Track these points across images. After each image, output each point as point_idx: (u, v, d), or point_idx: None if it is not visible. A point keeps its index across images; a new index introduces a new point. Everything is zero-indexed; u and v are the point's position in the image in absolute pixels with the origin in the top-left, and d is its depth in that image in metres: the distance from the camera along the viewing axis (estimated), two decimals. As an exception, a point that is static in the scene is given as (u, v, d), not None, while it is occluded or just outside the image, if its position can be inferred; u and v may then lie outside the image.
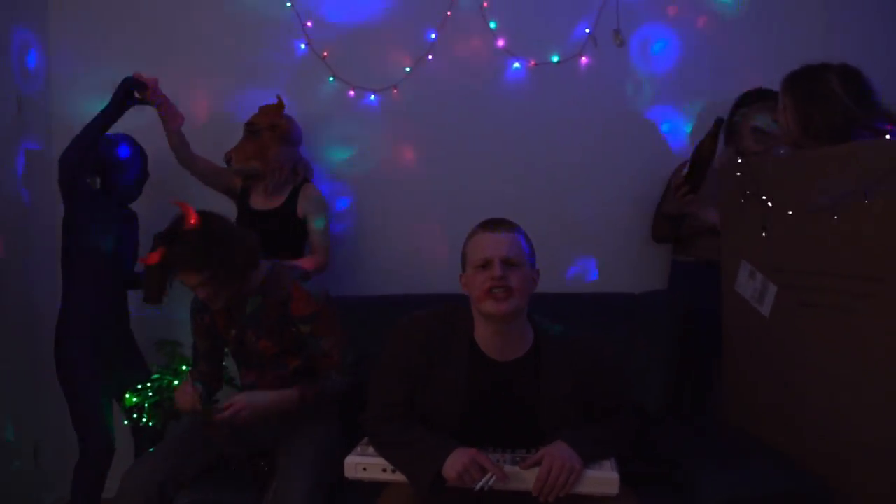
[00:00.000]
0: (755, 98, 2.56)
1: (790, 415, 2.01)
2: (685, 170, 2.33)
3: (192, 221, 1.92)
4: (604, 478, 1.59)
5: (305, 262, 2.54)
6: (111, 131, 2.55)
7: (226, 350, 2.25)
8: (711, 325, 2.33)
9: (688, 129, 2.94)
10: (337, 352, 2.06)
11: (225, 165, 2.69)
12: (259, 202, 2.67)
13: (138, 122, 2.71)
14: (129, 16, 3.04)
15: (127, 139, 2.64)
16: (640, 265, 2.94)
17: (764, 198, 2.03)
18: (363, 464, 1.68)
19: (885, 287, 1.71)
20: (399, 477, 1.65)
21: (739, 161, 2.19)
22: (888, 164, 1.67)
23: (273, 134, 2.62)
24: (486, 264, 1.66)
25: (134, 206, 2.73)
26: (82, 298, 2.50)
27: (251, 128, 2.65)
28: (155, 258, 1.91)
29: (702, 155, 2.24)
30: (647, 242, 2.93)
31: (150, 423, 2.47)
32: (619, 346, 2.34)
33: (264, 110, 2.69)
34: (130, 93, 2.51)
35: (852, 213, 1.77)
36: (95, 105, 2.72)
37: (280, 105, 2.67)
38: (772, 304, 2.04)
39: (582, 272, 3.01)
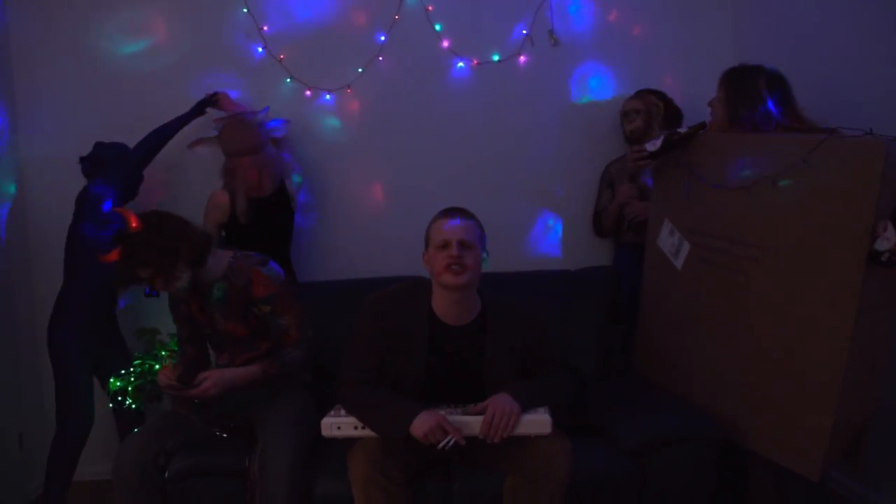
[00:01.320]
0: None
1: (687, 357, 2.36)
2: (653, 146, 2.51)
3: (134, 225, 2.14)
4: (538, 420, 1.90)
5: None
6: (111, 139, 2.84)
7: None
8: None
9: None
10: (295, 329, 2.28)
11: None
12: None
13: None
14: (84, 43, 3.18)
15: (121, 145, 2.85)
16: (577, 244, 3.23)
17: (693, 172, 2.35)
18: (337, 423, 1.96)
19: (769, 254, 2.09)
20: (368, 433, 1.93)
21: (672, 140, 2.44)
22: (794, 157, 2.00)
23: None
24: (445, 245, 1.97)
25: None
26: (80, 286, 2.71)
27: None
28: (113, 257, 2.14)
29: (676, 140, 2.43)
30: (581, 223, 3.23)
31: (134, 406, 2.68)
32: (556, 315, 2.63)
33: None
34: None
35: (758, 192, 2.11)
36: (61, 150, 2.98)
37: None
38: (684, 260, 2.38)
39: (524, 252, 3.27)
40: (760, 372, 2.12)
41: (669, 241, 2.44)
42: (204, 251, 2.21)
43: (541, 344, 2.09)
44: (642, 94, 3.00)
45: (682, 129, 2.46)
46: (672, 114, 2.99)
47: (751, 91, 2.29)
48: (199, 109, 2.96)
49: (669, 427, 2.14)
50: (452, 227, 1.99)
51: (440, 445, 1.84)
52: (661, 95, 3.01)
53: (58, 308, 2.72)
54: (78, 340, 2.68)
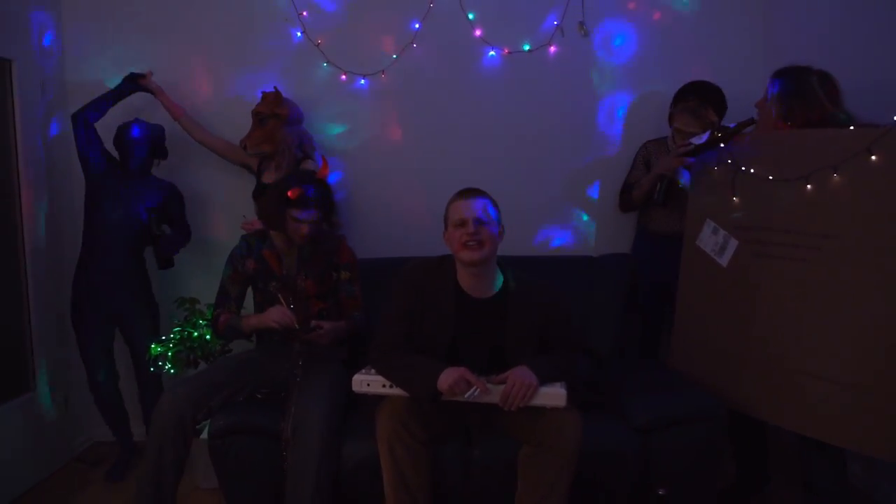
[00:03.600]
0: (689, 93, 2.89)
1: (734, 349, 2.38)
2: (699, 139, 2.58)
3: (326, 172, 2.59)
4: (554, 393, 2.03)
5: None
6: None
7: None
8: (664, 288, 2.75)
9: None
10: (361, 296, 2.57)
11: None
12: (269, 177, 3.02)
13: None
14: (135, 10, 3.32)
15: (138, 122, 3.00)
16: (600, 232, 3.31)
17: (744, 168, 2.39)
18: (367, 380, 2.12)
19: (835, 242, 2.13)
20: (395, 391, 2.08)
21: (719, 135, 2.49)
22: (857, 148, 2.07)
23: (277, 120, 2.96)
24: (462, 223, 2.11)
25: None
26: (94, 259, 2.93)
27: (258, 116, 2.99)
28: (295, 193, 2.40)
29: (722, 137, 2.48)
30: (605, 211, 3.31)
31: (172, 371, 2.84)
32: (577, 299, 2.72)
33: (265, 99, 3.00)
34: (132, 79, 3.00)
35: (819, 184, 2.17)
36: (108, 79, 3.09)
37: (277, 94, 2.99)
38: (731, 257, 2.42)
39: (548, 237, 3.37)
40: (820, 353, 2.13)
41: (712, 240, 2.47)
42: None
43: (560, 316, 2.22)
44: (698, 113, 2.84)
45: (731, 125, 2.49)
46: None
47: (806, 91, 2.33)
48: (128, 88, 3.04)
49: (678, 406, 2.24)
50: (468, 206, 2.13)
51: (466, 396, 1.99)
52: (709, 97, 2.86)
53: (74, 281, 2.99)
54: (93, 311, 2.95)
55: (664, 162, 2.81)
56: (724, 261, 2.43)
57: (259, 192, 3.02)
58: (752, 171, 2.36)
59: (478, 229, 2.09)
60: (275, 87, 3.01)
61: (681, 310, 2.63)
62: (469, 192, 2.18)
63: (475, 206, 2.13)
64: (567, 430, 1.99)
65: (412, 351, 2.15)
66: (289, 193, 2.39)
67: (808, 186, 2.19)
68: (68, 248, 3.29)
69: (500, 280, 2.22)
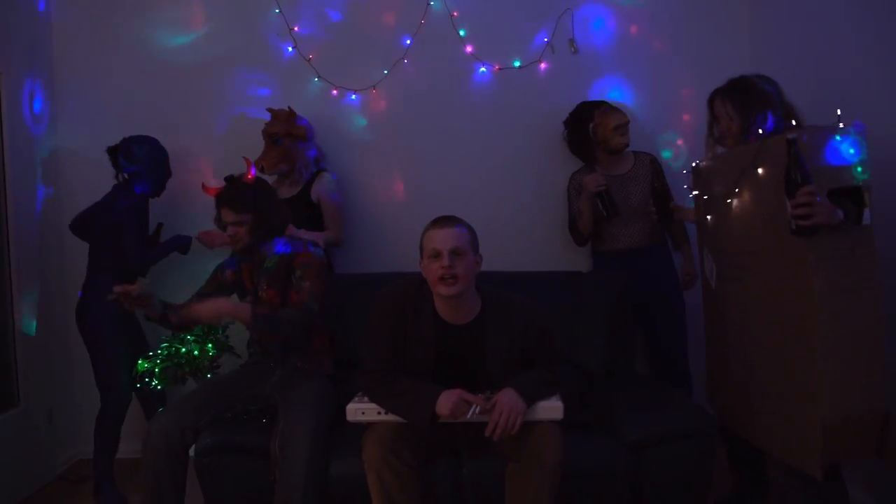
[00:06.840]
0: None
1: (723, 372, 2.41)
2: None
3: (250, 176, 2.52)
4: (551, 406, 2.03)
5: (317, 236, 2.95)
6: (147, 129, 3.05)
7: None
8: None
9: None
10: (305, 293, 2.41)
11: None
12: (284, 192, 3.06)
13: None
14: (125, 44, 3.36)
15: (153, 141, 3.03)
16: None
17: (697, 192, 2.46)
18: (362, 409, 2.09)
19: (757, 259, 2.14)
20: (390, 418, 2.05)
21: (693, 164, 2.52)
22: (745, 164, 2.08)
23: (291, 139, 2.99)
24: (436, 255, 2.04)
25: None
26: (108, 270, 2.92)
27: (272, 137, 3.00)
28: (213, 192, 2.49)
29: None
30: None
31: (159, 387, 2.80)
32: (565, 315, 2.72)
33: (277, 119, 3.01)
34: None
35: (738, 201, 2.18)
36: (97, 139, 3.10)
37: (291, 113, 3.02)
38: (715, 280, 2.43)
39: (537, 252, 3.35)
40: (765, 374, 2.15)
41: (708, 266, 2.49)
42: (281, 229, 2.54)
43: (541, 336, 2.17)
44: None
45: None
46: None
47: (762, 96, 2.26)
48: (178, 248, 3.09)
49: (669, 422, 2.23)
50: (443, 237, 2.05)
51: (468, 416, 1.97)
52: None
53: (86, 290, 2.92)
54: (110, 319, 2.87)
55: (587, 181, 2.93)
56: (714, 284, 2.46)
57: None
58: (704, 195, 2.41)
59: (453, 262, 2.03)
60: (289, 107, 3.03)
61: (707, 337, 2.61)
62: (443, 222, 2.11)
63: (450, 237, 2.05)
64: (546, 445, 1.97)
65: (401, 373, 2.11)
66: (208, 190, 2.43)
67: (728, 202, 2.21)
68: (55, 263, 3.28)
69: (478, 304, 2.16)
